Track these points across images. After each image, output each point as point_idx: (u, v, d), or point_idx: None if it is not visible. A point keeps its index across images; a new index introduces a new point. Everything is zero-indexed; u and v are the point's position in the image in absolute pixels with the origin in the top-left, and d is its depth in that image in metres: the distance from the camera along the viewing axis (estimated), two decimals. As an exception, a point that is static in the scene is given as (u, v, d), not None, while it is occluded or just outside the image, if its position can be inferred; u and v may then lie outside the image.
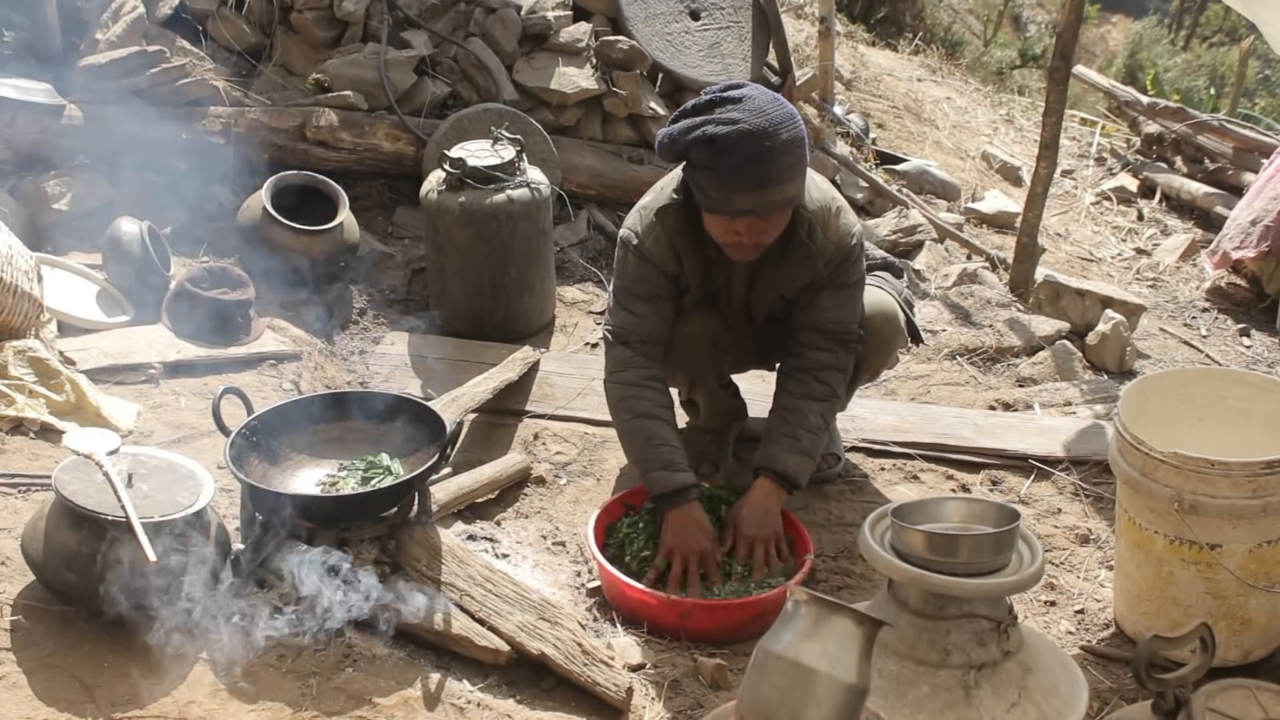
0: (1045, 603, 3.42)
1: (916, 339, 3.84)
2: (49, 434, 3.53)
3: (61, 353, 3.89)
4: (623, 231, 3.46)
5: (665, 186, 3.41)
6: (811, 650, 1.69)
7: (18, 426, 3.53)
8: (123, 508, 2.69)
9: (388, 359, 4.44)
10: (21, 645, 2.70)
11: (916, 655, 2.22)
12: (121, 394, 3.87)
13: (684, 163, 3.22)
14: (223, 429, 3.02)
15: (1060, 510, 3.82)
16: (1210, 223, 7.09)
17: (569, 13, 5.69)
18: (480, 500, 3.66)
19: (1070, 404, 4.38)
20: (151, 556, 2.59)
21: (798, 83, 6.24)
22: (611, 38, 5.60)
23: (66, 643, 2.72)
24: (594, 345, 4.77)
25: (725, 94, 3.14)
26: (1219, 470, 2.91)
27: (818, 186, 3.40)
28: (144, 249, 4.34)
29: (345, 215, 4.76)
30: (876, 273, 3.78)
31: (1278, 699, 2.03)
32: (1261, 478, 2.91)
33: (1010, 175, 7.69)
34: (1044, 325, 4.98)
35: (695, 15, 5.90)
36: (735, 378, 3.91)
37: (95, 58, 4.96)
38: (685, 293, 3.49)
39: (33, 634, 2.73)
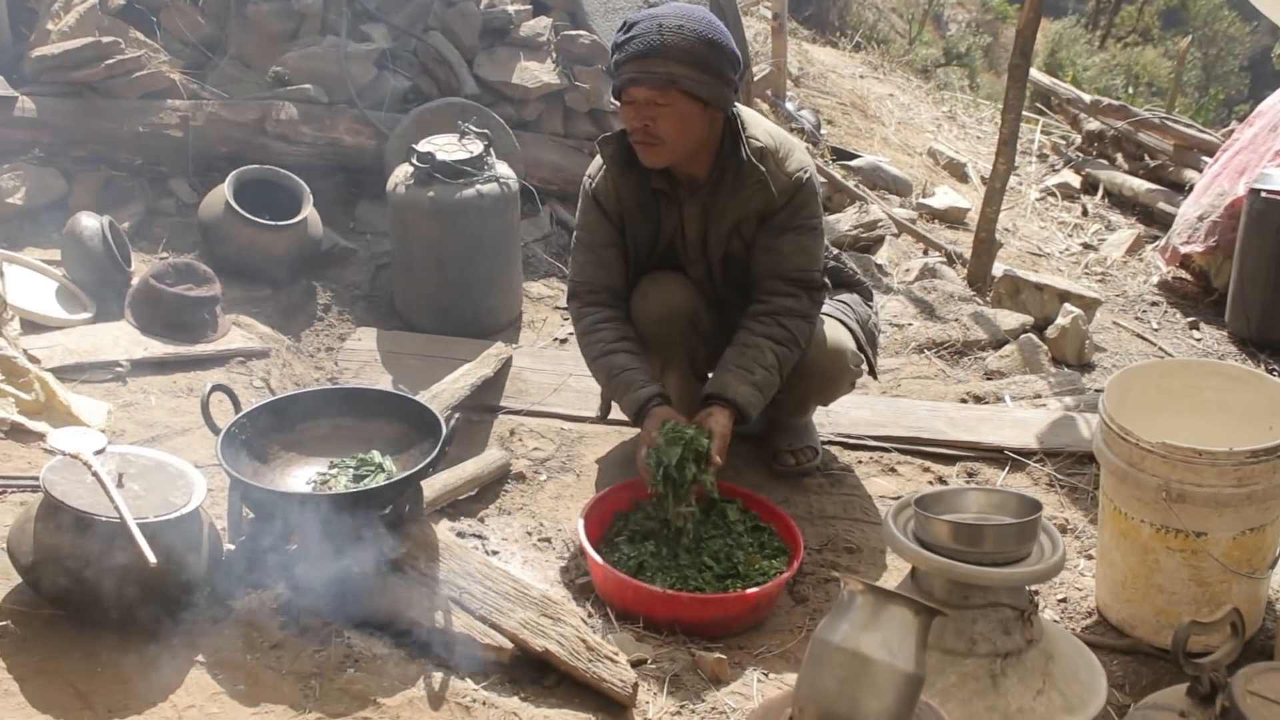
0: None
1: (871, 373, 3.88)
2: (19, 434, 3.44)
3: (25, 350, 3.79)
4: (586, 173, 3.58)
5: None
6: (871, 640, 1.69)
7: (-13, 426, 3.44)
8: (116, 508, 2.62)
9: (356, 355, 4.38)
10: (11, 651, 2.62)
11: (943, 645, 2.23)
12: (89, 392, 3.78)
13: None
14: (212, 427, 2.95)
15: (1036, 501, 3.86)
16: (1153, 218, 7.22)
17: (529, 7, 5.65)
18: (462, 497, 3.62)
19: (1040, 396, 4.43)
20: (151, 559, 2.53)
21: (755, 79, 6.26)
22: (572, 32, 5.58)
23: (58, 647, 2.65)
24: (563, 341, 4.74)
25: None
26: (1206, 460, 2.96)
27: (766, 131, 3.47)
28: (105, 244, 4.24)
29: (309, 210, 4.69)
30: (842, 295, 3.80)
31: (1312, 681, 2.07)
32: (1247, 466, 2.97)
33: (957, 171, 7.77)
34: (1008, 319, 5.04)
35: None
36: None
37: (47, 48, 4.83)
38: (635, 244, 3.53)
39: (22, 639, 2.65)
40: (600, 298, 3.55)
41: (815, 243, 3.52)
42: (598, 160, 3.52)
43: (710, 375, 3.82)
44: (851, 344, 3.67)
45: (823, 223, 3.58)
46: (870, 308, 3.87)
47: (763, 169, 3.37)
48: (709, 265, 3.58)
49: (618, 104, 3.37)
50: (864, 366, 3.77)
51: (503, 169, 4.62)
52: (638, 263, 3.58)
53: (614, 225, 3.52)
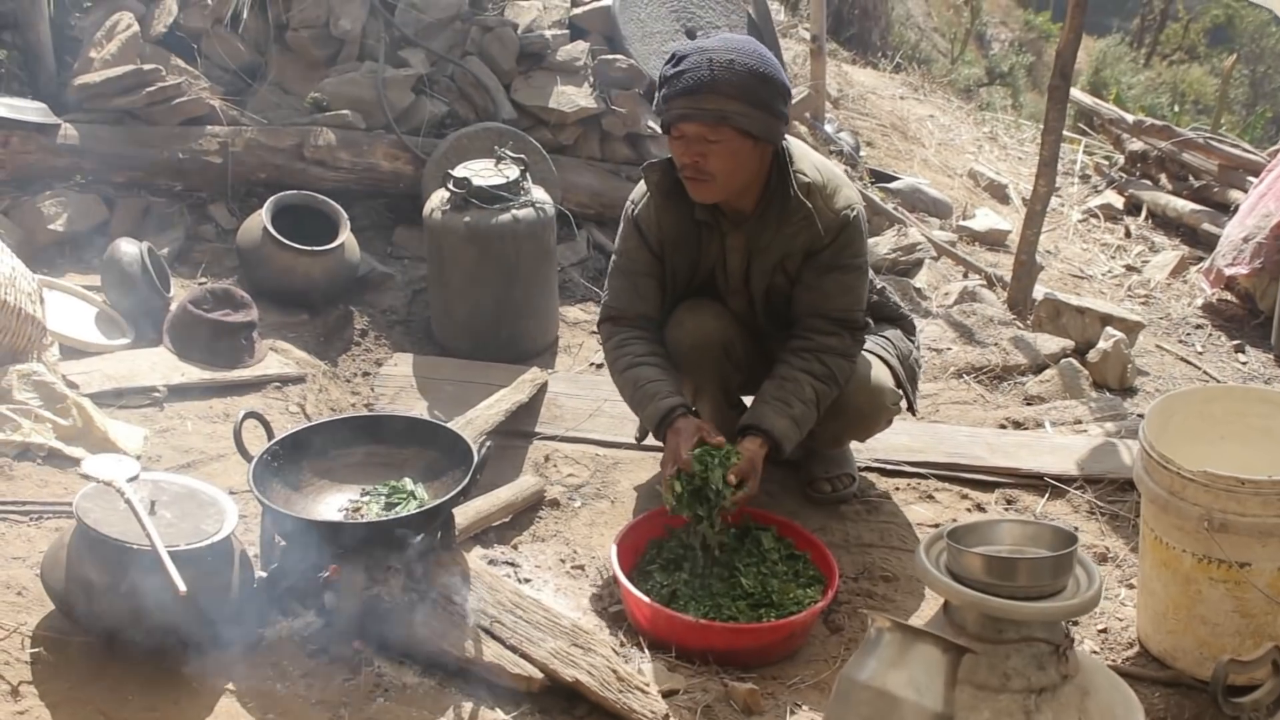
0: (1068, 621, 3.40)
1: (911, 410, 3.83)
2: (56, 459, 3.47)
3: (64, 376, 3.82)
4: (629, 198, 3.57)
5: None
6: (898, 678, 1.66)
7: (24, 452, 3.46)
8: (148, 536, 2.63)
9: (393, 380, 4.38)
10: (43, 678, 2.63)
11: (976, 680, 2.18)
12: (126, 418, 3.80)
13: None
14: (245, 454, 2.96)
15: (1077, 529, 3.79)
16: (1198, 239, 7.13)
17: (566, 31, 5.66)
18: (495, 524, 3.61)
19: (1080, 422, 4.37)
20: (181, 587, 2.53)
21: (794, 101, 6.23)
22: (609, 56, 5.58)
23: (89, 675, 2.66)
24: (600, 366, 4.73)
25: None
26: (1249, 488, 2.90)
27: (814, 165, 3.43)
28: (144, 270, 4.28)
29: (346, 236, 4.71)
30: (886, 331, 3.76)
31: (1357, 723, 2.01)
32: (1292, 496, 2.90)
33: (998, 193, 7.71)
34: (1049, 343, 4.98)
35: (691, 34, 5.89)
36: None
37: (90, 76, 4.89)
38: (674, 273, 3.50)
39: (54, 666, 2.66)
40: (634, 323, 3.55)
41: (860, 282, 3.49)
42: (641, 186, 3.50)
43: (744, 402, 3.81)
44: (890, 382, 3.63)
45: (868, 260, 3.55)
46: (912, 342, 3.83)
47: (809, 205, 3.34)
48: (750, 298, 3.56)
49: (665, 136, 3.34)
50: (903, 404, 3.72)
51: (539, 194, 4.63)
52: (675, 291, 3.57)
53: (653, 254, 3.50)
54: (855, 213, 3.41)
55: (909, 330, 3.84)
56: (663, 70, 3.28)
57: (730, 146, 3.22)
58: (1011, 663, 2.17)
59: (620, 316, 3.55)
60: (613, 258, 3.61)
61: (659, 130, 5.54)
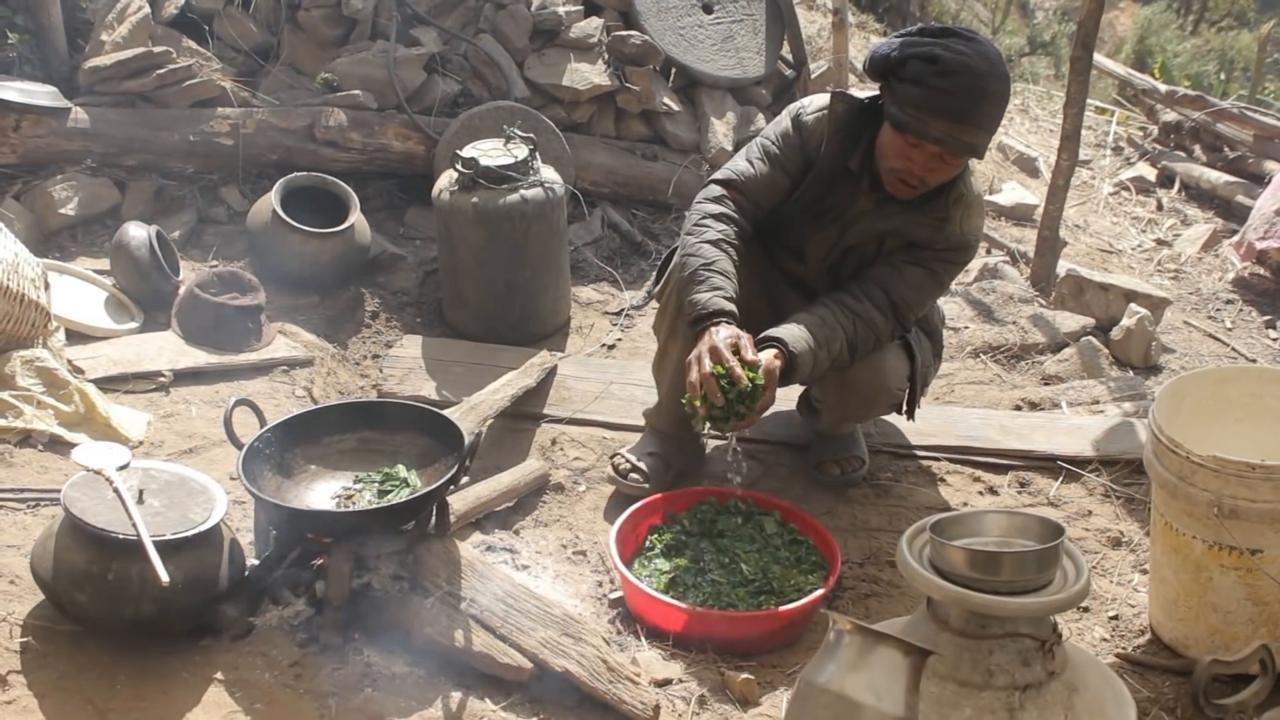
0: (1078, 609, 3.34)
1: (909, 414, 3.73)
2: (58, 446, 3.47)
3: (70, 361, 3.82)
4: (797, 102, 3.50)
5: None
6: (857, 682, 1.62)
7: (26, 438, 3.47)
8: (134, 526, 2.62)
9: (401, 362, 4.35)
10: (32, 667, 2.64)
11: (958, 676, 2.13)
12: (131, 403, 3.80)
13: (885, 80, 3.19)
14: (235, 442, 2.94)
15: (1091, 512, 3.73)
16: (1231, 212, 6.97)
17: (580, 8, 5.59)
18: (499, 509, 3.58)
19: (1098, 402, 4.28)
20: (164, 578, 2.52)
21: (813, 76, 6.14)
22: (624, 33, 5.51)
23: (78, 664, 2.66)
24: (611, 347, 4.68)
25: (958, 30, 3.19)
26: (1260, 473, 2.83)
27: (974, 185, 3.41)
28: (152, 254, 4.27)
29: (356, 217, 4.68)
30: (921, 336, 3.71)
31: (1345, 725, 1.95)
32: (1304, 481, 2.82)
33: (1027, 166, 7.57)
34: (1068, 321, 4.88)
35: (708, 9, 5.81)
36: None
37: (100, 59, 4.88)
38: (797, 199, 3.44)
39: (43, 655, 2.67)
40: (744, 205, 3.43)
41: (933, 292, 3.49)
42: (819, 100, 3.42)
43: None
44: (903, 369, 3.57)
45: (950, 283, 3.57)
46: (934, 362, 3.80)
47: (949, 212, 3.34)
48: (829, 249, 3.51)
49: (891, 129, 3.18)
50: (904, 396, 3.64)
51: (548, 173, 4.57)
52: (785, 210, 3.49)
53: (803, 161, 3.43)
54: (975, 241, 3.45)
55: (937, 350, 3.82)
56: (916, 69, 3.08)
57: (959, 166, 3.25)
58: (995, 659, 2.12)
59: (740, 190, 3.44)
60: (762, 140, 3.49)
61: (672, 107, 5.52)
